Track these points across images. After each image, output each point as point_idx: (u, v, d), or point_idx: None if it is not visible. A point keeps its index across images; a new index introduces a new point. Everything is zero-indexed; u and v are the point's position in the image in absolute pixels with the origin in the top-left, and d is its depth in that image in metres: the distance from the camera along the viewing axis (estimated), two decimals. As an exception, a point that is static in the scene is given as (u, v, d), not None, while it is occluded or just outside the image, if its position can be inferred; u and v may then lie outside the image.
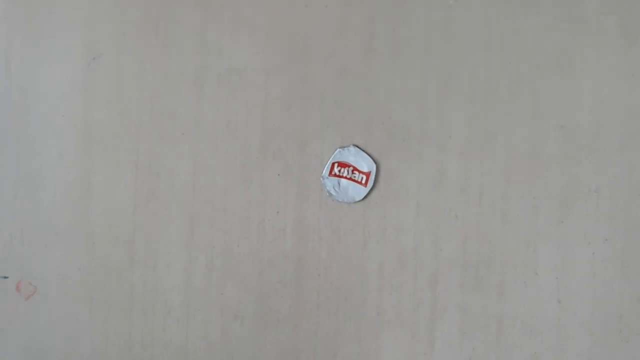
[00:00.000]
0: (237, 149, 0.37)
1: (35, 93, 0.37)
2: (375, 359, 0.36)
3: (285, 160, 0.36)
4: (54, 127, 0.37)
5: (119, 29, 0.37)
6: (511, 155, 0.36)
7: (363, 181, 0.36)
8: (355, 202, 0.36)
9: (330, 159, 0.36)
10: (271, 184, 0.36)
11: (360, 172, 0.36)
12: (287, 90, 0.37)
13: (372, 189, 0.36)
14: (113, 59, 0.37)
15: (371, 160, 0.36)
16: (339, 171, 0.36)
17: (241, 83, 0.37)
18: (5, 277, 0.37)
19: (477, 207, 0.36)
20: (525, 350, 0.36)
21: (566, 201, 0.36)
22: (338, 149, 0.36)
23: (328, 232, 0.36)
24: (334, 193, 0.36)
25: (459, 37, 0.36)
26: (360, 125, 0.36)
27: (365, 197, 0.36)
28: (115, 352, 0.37)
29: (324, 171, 0.36)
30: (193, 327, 0.37)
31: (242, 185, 0.36)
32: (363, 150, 0.36)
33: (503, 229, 0.36)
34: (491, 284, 0.36)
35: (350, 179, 0.36)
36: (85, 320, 0.38)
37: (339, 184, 0.36)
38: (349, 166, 0.36)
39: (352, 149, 0.36)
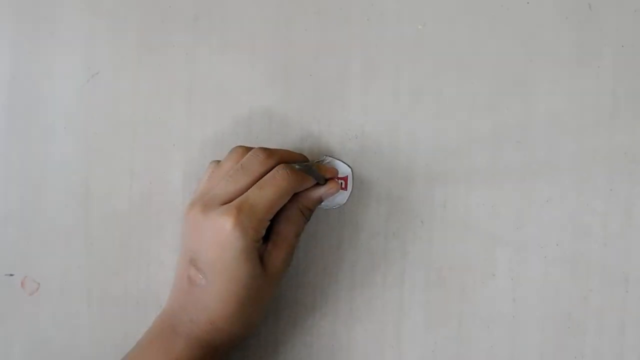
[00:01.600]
0: (223, 157, 0.40)
1: (38, 107, 0.41)
2: (348, 351, 0.40)
3: (268, 170, 0.40)
4: (56, 138, 0.40)
5: (116, 49, 0.40)
6: (472, 167, 0.39)
7: (343, 185, 0.39)
8: (341, 205, 0.39)
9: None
10: (254, 192, 0.40)
11: (338, 178, 0.39)
12: (269, 106, 0.40)
13: (351, 193, 0.40)
14: (110, 76, 0.41)
15: (345, 165, 0.39)
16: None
17: (227, 99, 0.40)
18: (11, 275, 0.41)
19: (441, 214, 0.40)
20: (483, 343, 0.40)
21: (522, 209, 0.40)
22: (315, 163, 0.39)
23: (306, 236, 0.40)
24: (322, 204, 0.39)
25: (426, 58, 0.40)
26: (335, 139, 0.40)
27: (349, 198, 0.39)
28: (111, 342, 0.41)
29: None
30: (182, 321, 0.40)
31: (227, 192, 0.40)
32: (336, 158, 0.39)
33: (464, 234, 0.40)
34: (453, 283, 0.39)
35: None
36: (84, 314, 0.41)
37: None
38: None
39: (327, 159, 0.39)
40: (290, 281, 0.40)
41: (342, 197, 0.38)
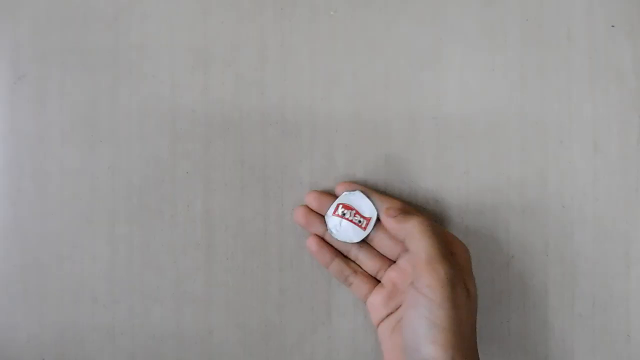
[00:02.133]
0: (149, 151, 0.41)
1: (-34, 111, 0.42)
2: (280, 331, 0.41)
3: (192, 160, 0.41)
4: (-15, 141, 0.42)
5: (40, 52, 0.42)
6: (390, 144, 0.41)
7: (363, 225, 0.38)
8: (353, 242, 0.38)
9: (337, 200, 0.38)
10: (181, 182, 0.41)
11: (362, 216, 0.38)
12: (191, 97, 0.41)
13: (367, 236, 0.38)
14: (36, 77, 0.42)
15: (373, 207, 0.38)
16: (342, 213, 0.38)
17: (150, 93, 0.41)
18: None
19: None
20: (410, 315, 0.41)
21: (440, 183, 0.41)
22: (344, 193, 0.38)
23: (234, 221, 0.41)
24: (334, 232, 0.38)
25: (340, 43, 0.41)
26: (256, 126, 0.41)
27: (364, 239, 0.38)
28: (49, 337, 0.41)
29: (328, 210, 0.38)
30: (118, 311, 0.41)
31: (155, 183, 0.41)
32: (367, 197, 0.38)
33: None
34: (378, 258, 0.40)
35: (351, 221, 0.38)
36: (21, 311, 0.42)
37: (340, 224, 0.38)
38: (352, 209, 0.38)
39: (357, 194, 0.38)
40: (220, 267, 0.41)
41: (357, 234, 0.38)
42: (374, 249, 0.39)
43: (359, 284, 0.38)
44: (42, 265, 0.41)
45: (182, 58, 0.41)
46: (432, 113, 0.41)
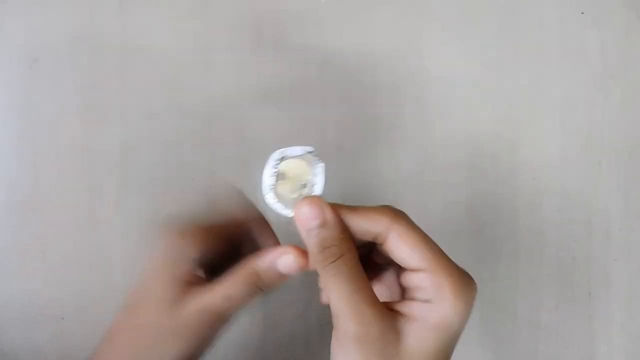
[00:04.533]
0: (157, 129, 0.44)
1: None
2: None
3: (197, 137, 0.44)
4: (1, 120, 0.45)
5: (52, 38, 0.44)
6: (376, 120, 0.44)
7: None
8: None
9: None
10: (187, 157, 0.44)
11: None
12: (195, 79, 0.45)
13: None
14: (49, 61, 0.45)
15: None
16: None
17: (156, 74, 0.45)
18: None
19: (351, 165, 0.45)
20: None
21: (421, 157, 0.45)
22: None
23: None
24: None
25: (330, 28, 0.44)
26: (255, 105, 0.45)
27: None
28: (67, 298, 0.46)
29: None
30: (132, 273, 0.45)
31: (162, 159, 0.44)
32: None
33: (374, 181, 0.45)
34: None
35: None
36: (41, 274, 0.45)
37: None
38: None
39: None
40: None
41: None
42: None
43: None
44: (60, 232, 0.45)
45: (185, 41, 0.44)
46: (414, 92, 0.44)
